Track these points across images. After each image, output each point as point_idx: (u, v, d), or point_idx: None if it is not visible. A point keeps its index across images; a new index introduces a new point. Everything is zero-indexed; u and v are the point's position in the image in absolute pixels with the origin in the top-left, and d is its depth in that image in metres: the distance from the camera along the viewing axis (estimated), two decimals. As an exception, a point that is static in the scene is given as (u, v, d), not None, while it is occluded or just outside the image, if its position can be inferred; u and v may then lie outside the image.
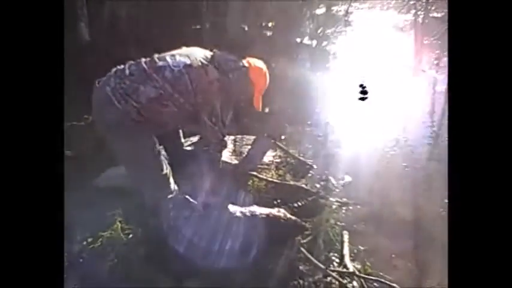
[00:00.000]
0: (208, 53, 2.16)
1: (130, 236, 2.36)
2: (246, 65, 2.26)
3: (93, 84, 2.19)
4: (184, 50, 2.14)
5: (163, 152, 2.14)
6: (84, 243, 2.34)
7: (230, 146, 3.08)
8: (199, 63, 2.05)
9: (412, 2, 8.57)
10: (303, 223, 2.52)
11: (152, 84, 1.94)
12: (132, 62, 2.05)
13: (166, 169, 2.11)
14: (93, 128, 3.56)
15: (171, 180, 2.18)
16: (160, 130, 2.10)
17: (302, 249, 2.35)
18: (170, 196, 2.14)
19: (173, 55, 2.07)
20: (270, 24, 6.84)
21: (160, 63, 2.01)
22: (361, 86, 4.92)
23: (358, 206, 2.84)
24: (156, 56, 2.08)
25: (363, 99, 4.77)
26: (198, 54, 2.12)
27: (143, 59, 2.07)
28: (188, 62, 2.04)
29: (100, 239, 2.34)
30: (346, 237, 2.50)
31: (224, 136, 2.33)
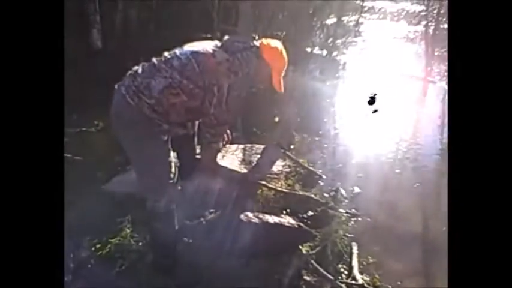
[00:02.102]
0: (218, 43, 2.09)
1: (140, 243, 2.37)
2: (258, 44, 2.11)
3: (104, 90, 2.20)
4: (195, 43, 2.08)
5: (174, 160, 2.11)
6: (93, 249, 2.34)
7: (239, 155, 3.08)
8: (207, 50, 2.00)
9: (423, 14, 8.56)
10: (309, 229, 2.51)
11: (161, 75, 1.90)
12: (145, 62, 2.04)
13: (175, 177, 2.09)
14: (103, 134, 3.63)
15: (178, 187, 2.15)
16: (174, 129, 2.05)
17: (310, 259, 2.34)
18: (173, 205, 2.11)
19: (181, 47, 2.04)
20: (280, 34, 6.86)
21: (169, 55, 1.99)
22: (371, 97, 4.90)
23: (368, 219, 2.80)
24: (166, 52, 2.05)
25: (374, 111, 4.76)
26: (208, 44, 2.06)
27: (154, 58, 2.05)
28: (195, 49, 1.99)
29: (108, 246, 2.34)
30: (355, 248, 2.48)
31: (226, 124, 2.15)
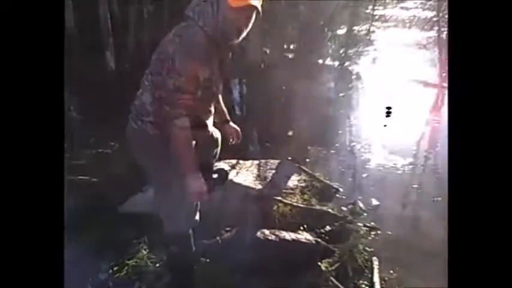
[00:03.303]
0: None
1: (157, 264, 2.36)
2: None
3: (118, 111, 2.20)
4: None
5: None
6: (110, 271, 2.34)
7: (254, 171, 3.06)
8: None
9: (434, 19, 8.50)
10: (328, 245, 2.48)
11: (146, 89, 1.88)
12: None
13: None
14: (119, 155, 3.66)
15: (198, 208, 2.07)
16: None
17: (330, 276, 2.29)
18: (191, 229, 2.08)
19: None
20: (291, 47, 6.90)
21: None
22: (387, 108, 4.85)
23: (389, 232, 2.74)
24: None
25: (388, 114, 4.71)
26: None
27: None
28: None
29: (126, 268, 2.34)
30: (376, 263, 2.42)
31: (180, 90, 1.66)
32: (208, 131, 1.99)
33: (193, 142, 1.90)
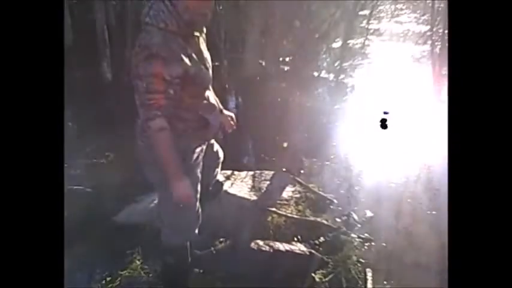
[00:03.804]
0: None
1: (150, 275, 2.36)
2: None
3: (115, 122, 2.21)
4: None
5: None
6: (103, 282, 2.33)
7: (249, 182, 3.08)
8: None
9: (428, 33, 8.61)
10: (321, 256, 2.48)
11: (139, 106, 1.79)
12: None
13: (199, 206, 1.97)
14: (114, 165, 3.66)
15: (199, 221, 2.01)
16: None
17: (324, 287, 2.29)
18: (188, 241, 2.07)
19: None
20: (287, 59, 6.95)
21: None
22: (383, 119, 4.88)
23: (384, 244, 2.75)
24: None
25: (384, 126, 4.73)
26: None
27: None
28: None
29: (119, 278, 2.33)
30: (369, 275, 2.42)
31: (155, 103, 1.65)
32: (212, 127, 1.91)
33: (200, 148, 1.91)
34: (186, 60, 1.69)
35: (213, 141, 2.09)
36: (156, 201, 2.70)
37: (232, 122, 2.12)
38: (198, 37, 1.80)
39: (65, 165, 3.52)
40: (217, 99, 2.04)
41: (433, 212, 3.10)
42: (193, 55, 1.75)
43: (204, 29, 1.86)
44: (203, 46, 1.86)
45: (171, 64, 1.65)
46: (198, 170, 1.93)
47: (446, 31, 6.63)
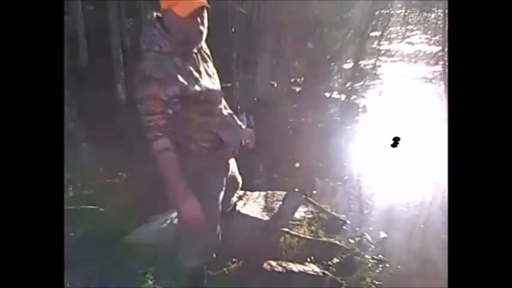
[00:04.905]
0: None
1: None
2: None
3: (128, 142, 2.24)
4: None
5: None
6: (116, 302, 2.32)
7: (261, 202, 3.07)
8: None
9: (440, 54, 8.62)
10: (335, 277, 2.45)
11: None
12: None
13: (219, 230, 1.96)
14: (127, 185, 3.69)
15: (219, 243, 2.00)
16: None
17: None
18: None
19: None
20: (299, 80, 7.01)
21: None
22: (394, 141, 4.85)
23: (399, 266, 2.70)
24: None
25: (395, 144, 4.71)
26: None
27: None
28: None
29: (131, 299, 2.32)
30: (384, 297, 2.39)
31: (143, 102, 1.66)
32: (227, 146, 1.88)
33: (222, 171, 1.91)
34: (183, 79, 1.68)
35: (233, 166, 2.08)
36: (168, 221, 2.74)
37: (250, 137, 2.06)
38: (196, 54, 1.80)
39: (78, 184, 3.62)
40: (235, 116, 2.01)
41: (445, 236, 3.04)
42: (194, 73, 1.75)
43: (204, 45, 1.86)
44: (206, 64, 1.86)
45: (167, 84, 1.65)
46: (219, 194, 1.91)
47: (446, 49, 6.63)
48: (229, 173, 2.03)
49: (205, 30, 1.76)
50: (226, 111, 1.95)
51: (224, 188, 1.94)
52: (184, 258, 1.97)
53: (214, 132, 1.83)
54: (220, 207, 1.93)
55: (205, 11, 1.72)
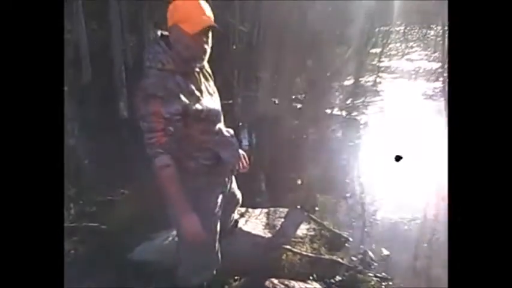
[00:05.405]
0: None
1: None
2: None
3: (130, 160, 2.25)
4: None
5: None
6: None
7: (263, 219, 3.06)
8: None
9: (440, 70, 8.67)
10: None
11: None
12: None
13: (218, 247, 1.95)
14: (128, 202, 3.68)
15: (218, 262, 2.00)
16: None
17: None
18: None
19: None
20: (300, 97, 7.04)
21: None
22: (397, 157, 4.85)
23: (402, 284, 2.67)
24: None
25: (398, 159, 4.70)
26: None
27: None
28: None
29: (132, 318, 2.30)
30: (387, 316, 2.36)
31: (143, 120, 1.68)
32: (225, 163, 1.87)
33: (220, 189, 1.89)
34: (184, 97, 1.69)
35: (232, 183, 2.07)
36: (170, 239, 2.72)
37: (244, 161, 2.06)
38: (199, 73, 1.81)
39: (80, 202, 3.62)
40: (233, 135, 1.99)
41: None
42: (196, 91, 1.76)
43: (206, 64, 1.87)
44: (208, 82, 1.87)
45: (169, 102, 1.66)
46: (217, 211, 1.91)
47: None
48: (228, 189, 2.02)
49: (209, 49, 1.77)
50: (226, 130, 1.95)
51: (222, 205, 1.93)
52: (183, 277, 1.96)
53: (213, 150, 1.84)
54: (218, 224, 1.93)
55: (210, 31, 1.74)
